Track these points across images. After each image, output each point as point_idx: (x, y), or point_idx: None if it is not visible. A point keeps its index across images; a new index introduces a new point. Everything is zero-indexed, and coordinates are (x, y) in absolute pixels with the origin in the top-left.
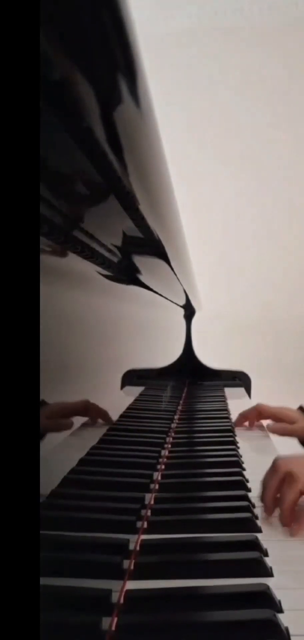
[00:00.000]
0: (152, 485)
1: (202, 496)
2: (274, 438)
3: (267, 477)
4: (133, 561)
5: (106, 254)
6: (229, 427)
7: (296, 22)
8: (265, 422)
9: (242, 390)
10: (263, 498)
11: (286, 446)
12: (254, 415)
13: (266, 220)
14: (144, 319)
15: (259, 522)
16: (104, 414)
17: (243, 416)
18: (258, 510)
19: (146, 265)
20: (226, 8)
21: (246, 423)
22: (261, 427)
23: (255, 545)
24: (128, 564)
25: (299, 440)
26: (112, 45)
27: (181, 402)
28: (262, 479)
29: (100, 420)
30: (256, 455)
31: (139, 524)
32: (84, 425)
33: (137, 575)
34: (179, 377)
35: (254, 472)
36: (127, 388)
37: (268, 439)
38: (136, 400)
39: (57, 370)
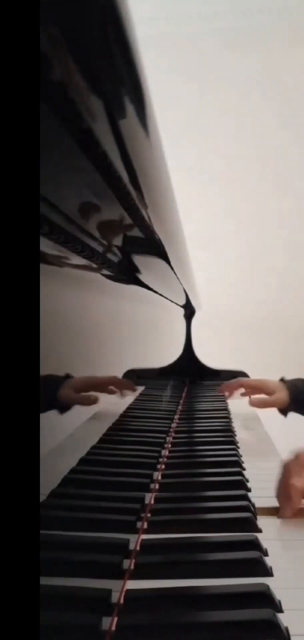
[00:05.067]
0: (152, 485)
1: (202, 496)
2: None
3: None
4: (133, 561)
5: (106, 254)
6: (229, 427)
7: (296, 24)
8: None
9: (242, 389)
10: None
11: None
12: (236, 387)
13: (268, 217)
14: (144, 319)
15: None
16: (130, 386)
17: (226, 386)
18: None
19: (146, 264)
20: (226, 9)
21: (227, 393)
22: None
23: (255, 545)
24: (128, 564)
25: (279, 410)
26: (112, 46)
27: (181, 401)
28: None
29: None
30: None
31: (139, 523)
32: (84, 423)
33: (137, 575)
34: (179, 376)
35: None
36: None
37: (256, 415)
38: (136, 399)
39: (57, 369)
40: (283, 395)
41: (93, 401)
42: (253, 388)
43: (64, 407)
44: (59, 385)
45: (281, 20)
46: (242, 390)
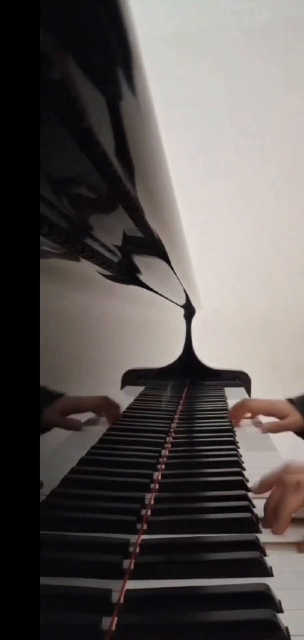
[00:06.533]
0: (152, 485)
1: (202, 496)
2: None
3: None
4: (133, 561)
5: (106, 254)
6: (229, 427)
7: (296, 24)
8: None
9: (242, 390)
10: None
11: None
12: (242, 412)
13: (267, 218)
14: (144, 319)
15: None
16: (117, 409)
17: (232, 415)
18: (258, 510)
19: (146, 265)
20: (225, 9)
21: (234, 421)
22: (258, 423)
23: (255, 545)
24: (128, 564)
25: (295, 432)
26: (112, 46)
27: (181, 401)
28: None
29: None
30: (255, 453)
31: (139, 524)
32: (84, 424)
33: (137, 575)
34: (180, 377)
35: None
36: (128, 388)
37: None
38: (136, 400)
39: (57, 370)
40: (297, 417)
41: (76, 426)
42: (262, 412)
43: (45, 429)
44: (46, 406)
45: None
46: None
